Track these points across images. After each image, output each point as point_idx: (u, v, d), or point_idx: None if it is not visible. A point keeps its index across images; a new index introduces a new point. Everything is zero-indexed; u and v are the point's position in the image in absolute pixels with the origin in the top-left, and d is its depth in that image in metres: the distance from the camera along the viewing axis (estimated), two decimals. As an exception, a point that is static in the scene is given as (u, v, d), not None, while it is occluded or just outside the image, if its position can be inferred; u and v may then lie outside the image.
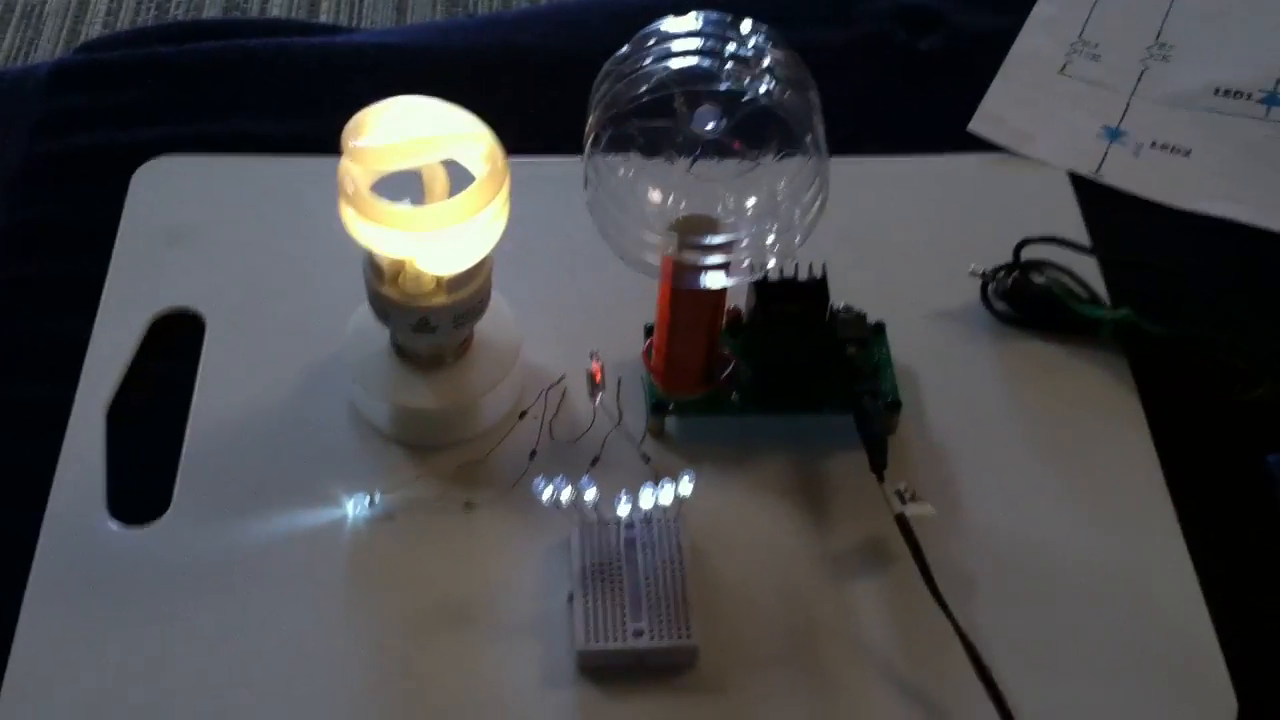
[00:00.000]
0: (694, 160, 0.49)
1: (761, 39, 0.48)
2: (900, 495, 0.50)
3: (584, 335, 0.55)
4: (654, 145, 0.49)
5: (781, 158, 0.48)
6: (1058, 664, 0.49)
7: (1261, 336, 0.58)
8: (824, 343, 0.54)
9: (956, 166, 0.66)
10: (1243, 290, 0.61)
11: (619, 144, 0.49)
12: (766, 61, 0.48)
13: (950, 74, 0.71)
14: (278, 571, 0.50)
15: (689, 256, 0.49)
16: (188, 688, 0.48)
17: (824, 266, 0.53)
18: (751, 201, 0.49)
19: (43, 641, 0.48)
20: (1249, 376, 0.56)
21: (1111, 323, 0.57)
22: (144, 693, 0.47)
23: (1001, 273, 0.59)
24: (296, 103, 0.67)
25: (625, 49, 0.49)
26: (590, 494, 0.49)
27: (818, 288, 0.53)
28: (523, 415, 0.54)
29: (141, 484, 0.52)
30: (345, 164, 0.48)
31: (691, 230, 0.49)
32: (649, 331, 0.55)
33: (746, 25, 0.48)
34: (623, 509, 0.49)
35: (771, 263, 0.50)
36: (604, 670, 0.48)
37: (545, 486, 0.49)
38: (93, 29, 1.41)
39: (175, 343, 0.57)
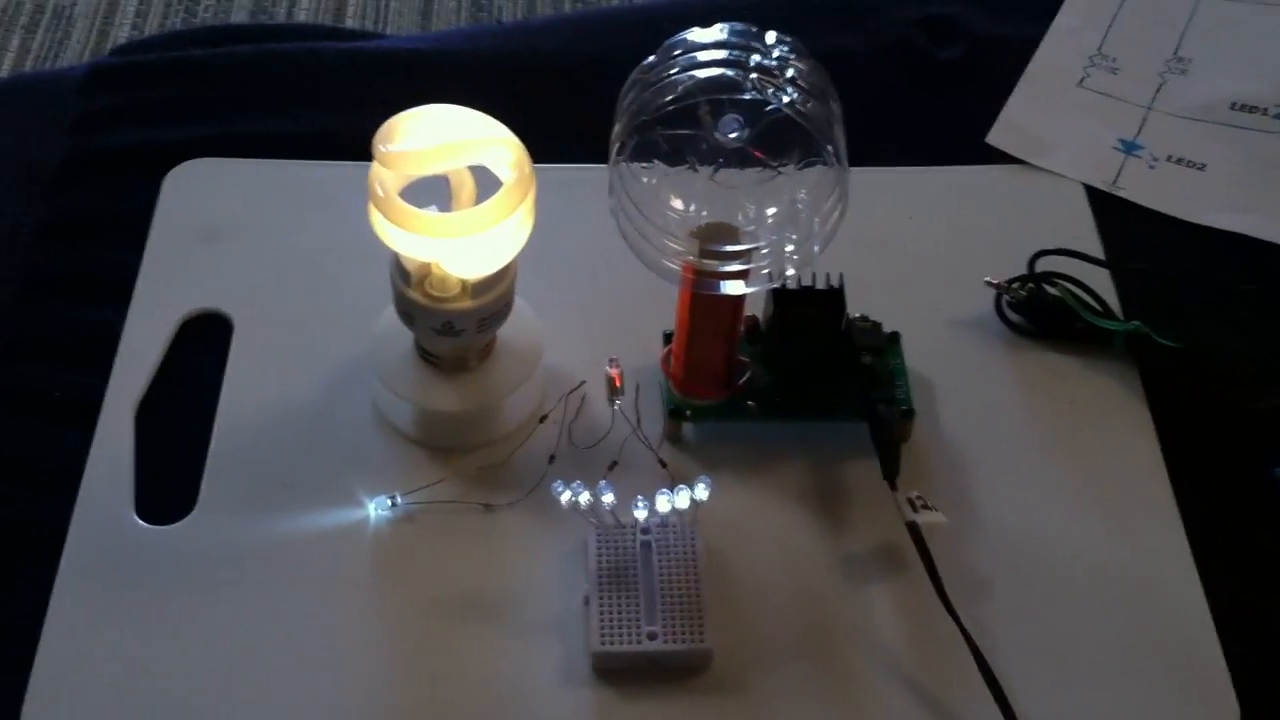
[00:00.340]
0: (716, 169, 0.50)
1: (786, 49, 0.49)
2: (912, 503, 0.51)
3: (604, 341, 0.56)
4: (678, 153, 0.50)
5: (802, 167, 0.49)
6: (1066, 669, 0.50)
7: (1272, 347, 0.58)
8: (840, 351, 0.54)
9: (973, 178, 0.67)
10: (1255, 302, 0.62)
11: (644, 152, 0.50)
12: (790, 72, 0.48)
13: (970, 84, 0.71)
14: (300, 570, 0.51)
15: (709, 263, 0.50)
16: (210, 684, 0.49)
17: (841, 275, 0.54)
18: (772, 210, 0.50)
19: (69, 639, 0.49)
20: (1260, 386, 0.56)
21: (1124, 334, 0.58)
22: (167, 688, 0.49)
23: (1016, 284, 0.60)
24: (327, 105, 0.68)
25: (652, 58, 0.50)
26: (608, 498, 0.50)
27: (835, 296, 0.54)
28: (543, 419, 0.55)
29: (168, 483, 0.54)
30: (375, 169, 0.49)
31: (712, 238, 0.50)
32: (668, 338, 0.55)
33: (771, 36, 0.49)
34: (639, 513, 0.50)
35: (791, 271, 0.51)
36: (619, 672, 0.48)
37: (564, 490, 0.50)
38: (121, 32, 1.43)
39: (204, 343, 0.58)
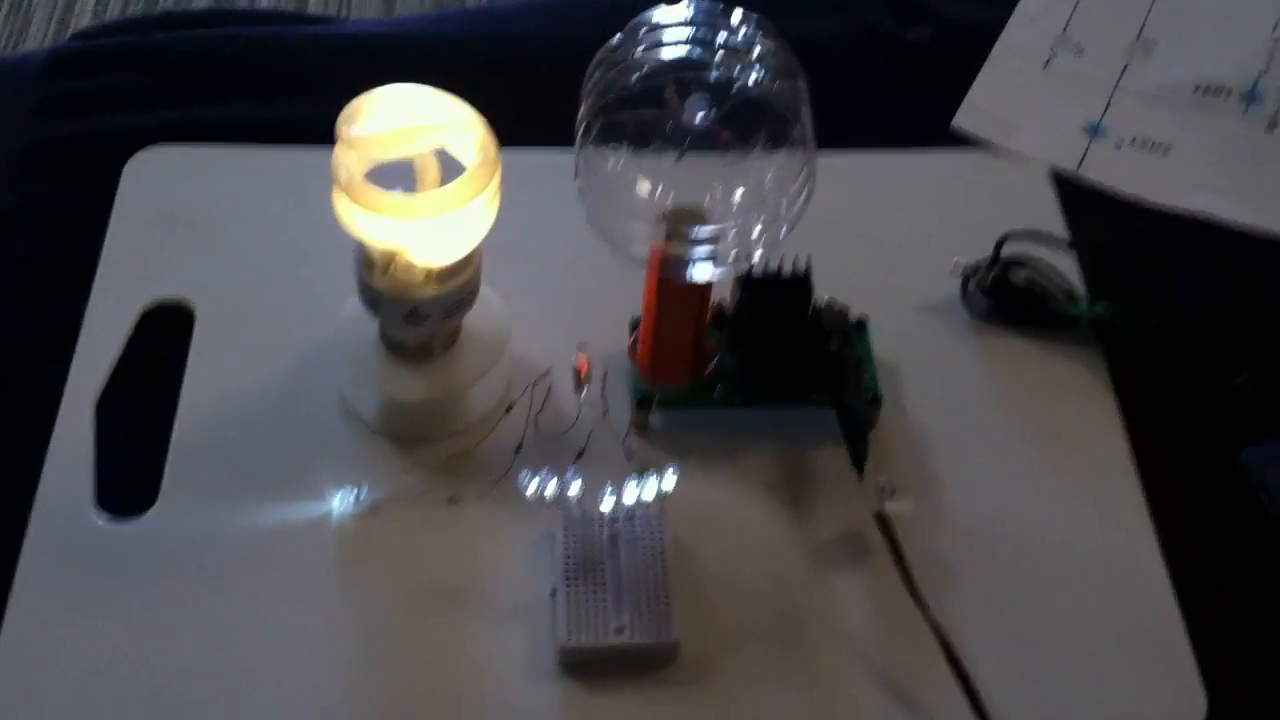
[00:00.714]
0: (683, 151, 0.49)
1: (752, 29, 0.49)
2: (880, 488, 0.51)
3: (571, 328, 0.55)
4: (644, 136, 0.49)
5: (770, 149, 0.49)
6: (1032, 654, 0.50)
7: (1239, 328, 0.58)
8: (807, 337, 0.54)
9: (939, 162, 0.66)
10: (1220, 283, 0.62)
11: (610, 134, 0.49)
12: (757, 51, 0.48)
13: (938, 67, 0.71)
14: (265, 564, 0.51)
15: (677, 247, 0.50)
16: (175, 679, 0.48)
17: (808, 260, 0.54)
18: (739, 192, 0.50)
19: (30, 633, 0.49)
20: (1226, 367, 0.57)
21: (1089, 317, 0.58)
22: (132, 683, 0.48)
23: (982, 269, 0.60)
24: (290, 90, 0.67)
25: (617, 38, 0.49)
26: (574, 488, 0.49)
27: (802, 282, 0.54)
28: (509, 409, 0.54)
29: (130, 476, 0.53)
30: (339, 152, 0.48)
31: (680, 221, 0.50)
32: (635, 325, 0.55)
33: (737, 15, 0.49)
34: (606, 504, 0.50)
35: (758, 254, 0.51)
36: (586, 665, 0.48)
37: (530, 480, 0.50)
38: (81, 20, 1.41)
39: (166, 333, 0.57)
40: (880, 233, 0.62)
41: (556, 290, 0.58)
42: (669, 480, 0.49)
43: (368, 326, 0.53)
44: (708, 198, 0.50)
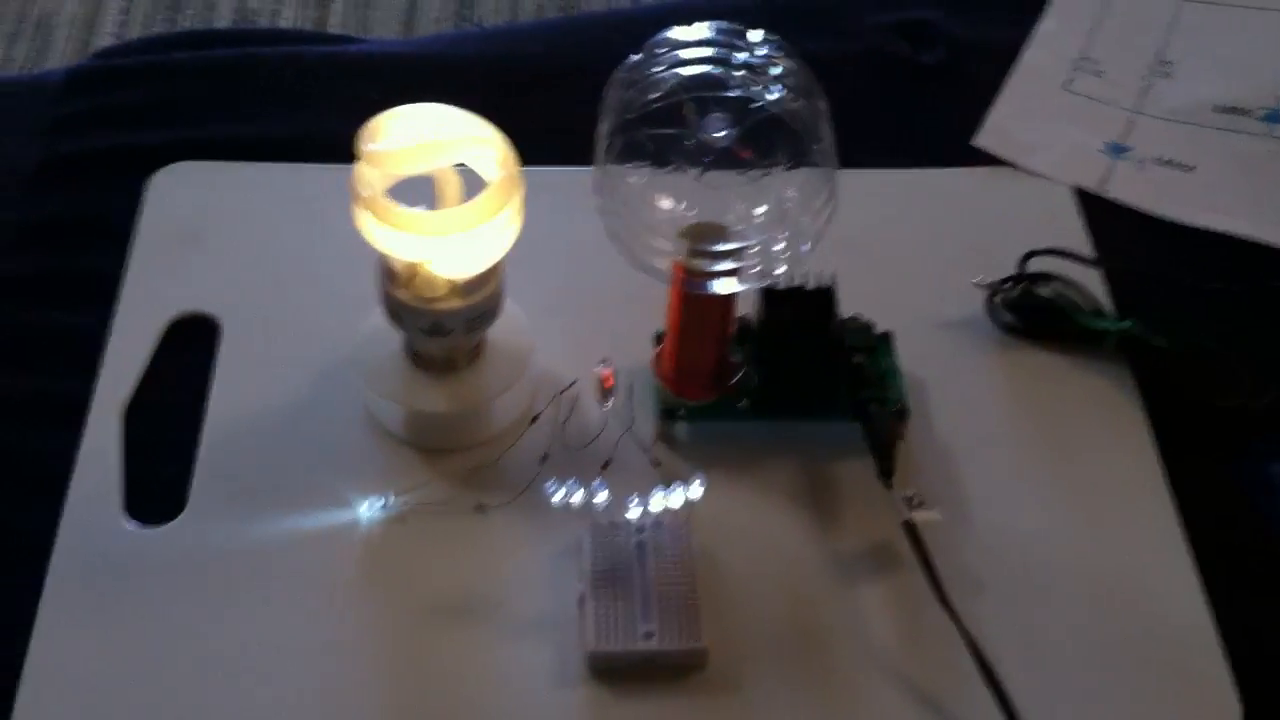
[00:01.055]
0: (704, 169, 0.49)
1: (770, 48, 0.49)
2: (908, 502, 0.51)
3: (595, 341, 0.55)
4: (664, 153, 0.50)
5: (791, 166, 0.49)
6: (1064, 668, 0.49)
7: (1263, 347, 0.58)
8: (831, 351, 0.54)
9: (962, 180, 0.67)
10: (1245, 302, 0.62)
11: (630, 152, 0.49)
12: (775, 70, 0.48)
13: (952, 88, 0.71)
14: (291, 572, 0.51)
15: (699, 263, 0.50)
16: (202, 686, 0.48)
17: (832, 275, 0.54)
18: (761, 209, 0.50)
19: (60, 641, 0.49)
20: (1251, 386, 0.57)
21: (1115, 334, 0.58)
22: (158, 689, 0.48)
23: (1008, 284, 0.60)
24: (309, 108, 0.68)
25: (636, 57, 0.50)
26: (601, 497, 0.49)
27: (825, 296, 0.54)
28: (535, 420, 0.54)
29: (158, 485, 0.53)
30: (360, 168, 0.48)
31: (701, 237, 0.50)
32: (659, 339, 0.55)
33: (755, 34, 0.49)
34: (633, 512, 0.50)
35: (780, 270, 0.51)
36: (614, 672, 0.48)
37: (557, 489, 0.50)
38: (102, 41, 1.42)
39: (191, 345, 0.58)
40: (904, 249, 0.63)
41: (580, 305, 0.59)
42: (696, 489, 0.49)
43: (391, 338, 0.53)
44: (729, 214, 0.50)
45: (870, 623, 0.50)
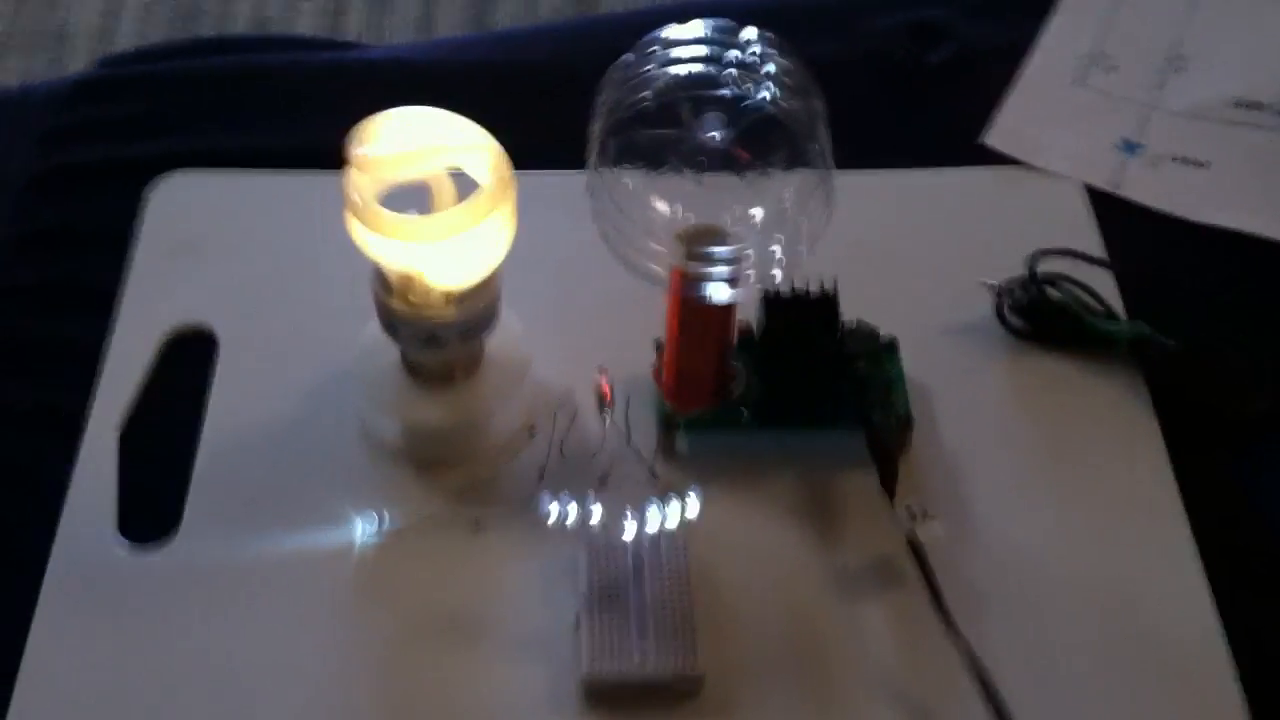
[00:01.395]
0: (700, 170, 0.49)
1: (765, 46, 0.48)
2: (911, 513, 0.50)
3: (594, 351, 0.54)
4: (659, 155, 0.49)
5: (787, 167, 0.48)
6: (1069, 683, 0.48)
7: (1277, 348, 0.57)
8: (834, 358, 0.53)
9: (971, 180, 0.65)
10: (1259, 303, 0.61)
11: (625, 154, 0.49)
12: (770, 69, 0.47)
13: (960, 87, 0.70)
14: (287, 590, 0.50)
15: (696, 267, 0.49)
16: (196, 705, 0.48)
17: (835, 281, 0.53)
18: (758, 212, 0.49)
19: (53, 659, 0.49)
20: (1265, 389, 0.55)
21: (1128, 338, 0.57)
22: (152, 708, 0.48)
23: (1017, 287, 0.59)
24: (307, 116, 0.67)
25: (628, 56, 0.49)
26: (598, 514, 0.48)
27: (828, 302, 0.53)
28: (532, 433, 0.53)
29: (153, 502, 0.53)
30: (351, 174, 0.48)
31: (698, 241, 0.49)
32: (659, 348, 0.54)
33: (750, 33, 0.48)
34: (630, 530, 0.49)
35: (779, 274, 0.50)
36: (609, 695, 0.47)
37: (553, 505, 0.49)
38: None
39: (190, 359, 0.57)
40: (910, 252, 0.61)
41: (578, 314, 0.58)
42: (692, 506, 0.49)
43: (388, 351, 0.53)
44: (726, 217, 0.49)
45: (872, 642, 0.49)
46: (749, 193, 0.49)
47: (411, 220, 0.47)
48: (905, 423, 0.53)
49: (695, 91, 0.47)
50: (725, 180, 0.49)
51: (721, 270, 0.49)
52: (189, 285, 0.60)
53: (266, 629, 0.49)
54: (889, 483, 0.51)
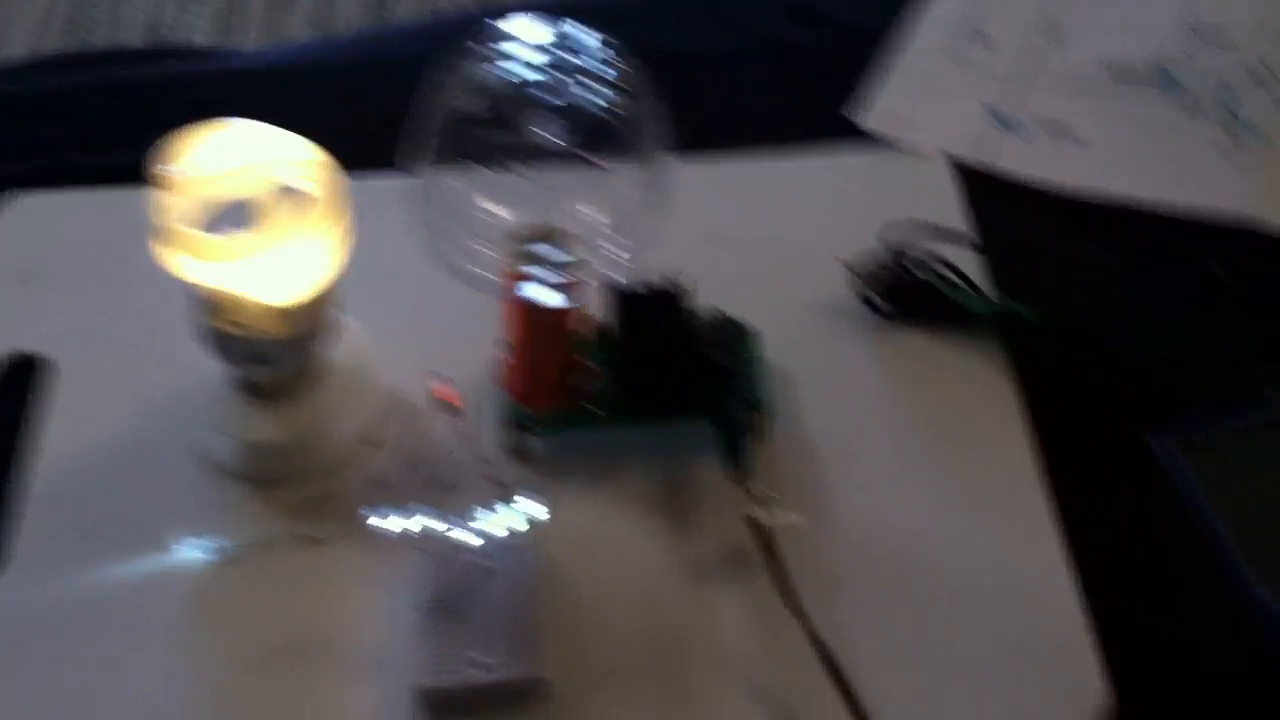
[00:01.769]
0: (534, 171, 0.47)
1: (597, 48, 0.47)
2: (759, 498, 0.48)
3: (437, 357, 0.52)
4: (491, 156, 0.47)
5: (620, 165, 0.47)
6: (928, 665, 0.47)
7: (1145, 322, 0.56)
8: (686, 349, 0.52)
9: (838, 162, 0.64)
10: (1130, 277, 0.59)
11: (455, 155, 0.47)
12: (603, 71, 0.46)
13: (836, 68, 0.68)
14: (122, 621, 0.48)
15: (531, 270, 0.47)
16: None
17: (682, 273, 0.51)
18: (592, 211, 0.48)
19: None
20: (1131, 362, 0.54)
21: (991, 315, 0.56)
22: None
23: (879, 267, 0.57)
24: (153, 132, 0.65)
25: (457, 58, 0.47)
26: (440, 523, 0.47)
27: (675, 294, 0.51)
28: (376, 444, 0.52)
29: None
30: (156, 195, 0.46)
31: (532, 242, 0.48)
32: (505, 350, 0.53)
33: (584, 35, 0.47)
34: (473, 537, 0.47)
35: (620, 271, 0.48)
36: (451, 706, 0.46)
37: (394, 517, 0.47)
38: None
39: (26, 388, 0.55)
40: (775, 238, 0.60)
41: (419, 319, 0.56)
42: (536, 508, 0.47)
43: (222, 369, 0.51)
44: (561, 218, 0.48)
45: (726, 634, 0.48)
46: (579, 193, 0.47)
47: (214, 241, 0.45)
48: (754, 407, 0.52)
49: (527, 93, 0.46)
50: (559, 180, 0.47)
51: (553, 272, 0.47)
52: (26, 310, 0.58)
53: (102, 664, 0.47)
54: (738, 470, 0.49)
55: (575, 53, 0.47)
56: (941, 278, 0.57)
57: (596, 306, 0.52)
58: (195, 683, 0.47)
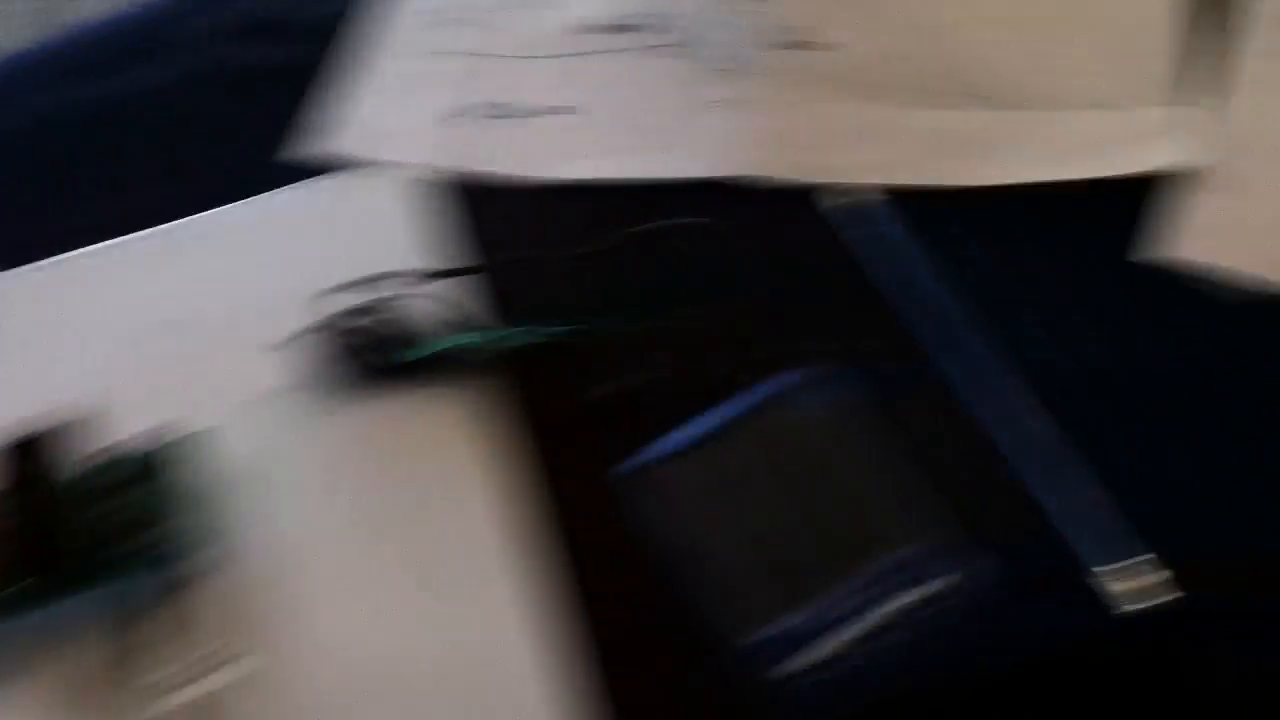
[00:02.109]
0: None
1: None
2: (202, 667, 0.40)
3: None
4: None
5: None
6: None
7: (634, 319, 0.49)
8: (61, 509, 0.42)
9: (276, 208, 0.54)
10: (620, 269, 0.52)
11: None
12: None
13: (306, 86, 0.59)
14: None
15: None
16: None
17: (39, 424, 0.41)
18: None
19: None
20: (607, 371, 0.47)
21: (460, 348, 0.48)
22: None
23: (350, 326, 0.49)
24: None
25: None
26: None
27: (28, 446, 0.41)
28: None
29: None
30: None
31: None
32: None
33: None
34: None
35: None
36: None
37: None
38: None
39: None
40: (201, 322, 0.50)
41: None
42: None
43: None
44: None
45: None
46: None
47: None
48: (189, 554, 0.42)
49: None
50: None
51: None
52: None
53: None
54: (127, 664, 0.40)
55: None
56: (395, 326, 0.48)
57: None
58: None
